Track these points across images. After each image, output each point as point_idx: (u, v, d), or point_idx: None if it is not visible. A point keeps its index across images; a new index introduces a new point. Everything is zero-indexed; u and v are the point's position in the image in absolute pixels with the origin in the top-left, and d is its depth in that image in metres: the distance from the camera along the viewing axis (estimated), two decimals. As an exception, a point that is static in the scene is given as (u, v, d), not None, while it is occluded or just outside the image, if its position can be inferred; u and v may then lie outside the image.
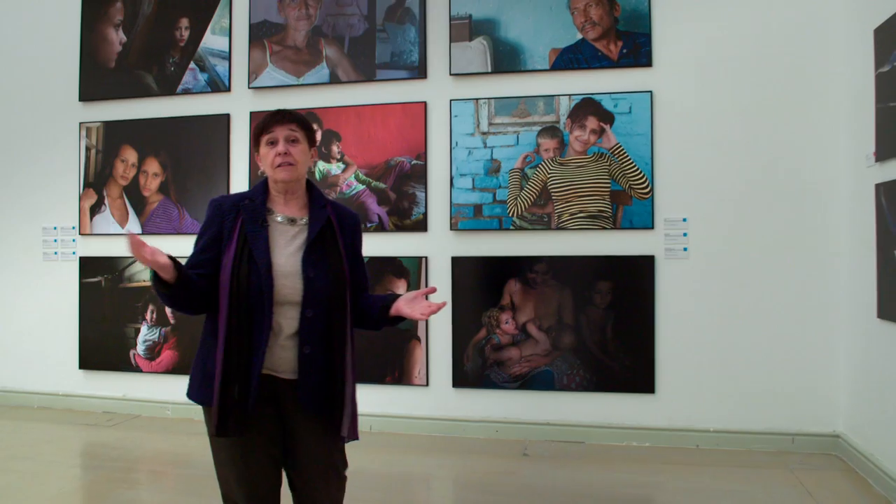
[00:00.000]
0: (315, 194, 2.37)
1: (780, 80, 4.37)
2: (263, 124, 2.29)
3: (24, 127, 5.59)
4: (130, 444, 4.58)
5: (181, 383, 4.99)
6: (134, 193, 5.30)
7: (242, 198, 2.28)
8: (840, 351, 4.28)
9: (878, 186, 3.73)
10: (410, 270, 4.80)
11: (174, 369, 5.21)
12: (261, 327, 2.13)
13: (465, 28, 4.72)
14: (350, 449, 2.40)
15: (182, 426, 4.99)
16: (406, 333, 4.79)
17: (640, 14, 4.52)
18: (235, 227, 2.20)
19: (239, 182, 5.09)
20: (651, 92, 4.48)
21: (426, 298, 2.26)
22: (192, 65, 5.20)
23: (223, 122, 5.11)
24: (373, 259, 4.77)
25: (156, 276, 2.07)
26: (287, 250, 2.23)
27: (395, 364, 4.82)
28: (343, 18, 4.93)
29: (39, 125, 5.55)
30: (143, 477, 4.04)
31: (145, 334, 5.27)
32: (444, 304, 2.23)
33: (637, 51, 4.52)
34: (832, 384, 4.30)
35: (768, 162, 4.38)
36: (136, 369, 5.29)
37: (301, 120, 2.34)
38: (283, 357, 2.19)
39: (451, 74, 4.72)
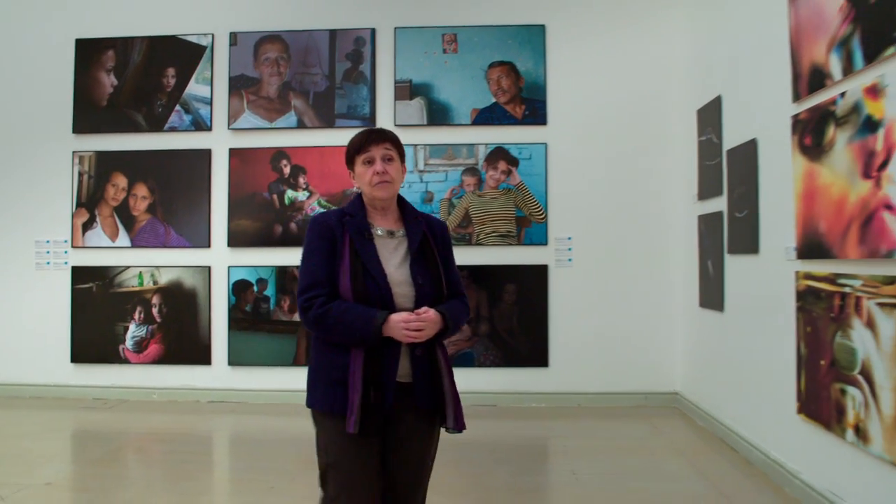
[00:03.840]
0: (407, 208, 2.48)
1: (637, 138, 6.06)
2: (360, 144, 2.37)
3: (22, 154, 6.48)
4: (123, 423, 5.58)
5: (167, 371, 6.20)
6: (124, 213, 6.33)
7: (343, 213, 2.36)
8: (677, 332, 5.99)
9: (699, 217, 5.44)
10: (362, 276, 6.12)
11: (160, 360, 6.27)
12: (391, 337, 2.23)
13: (406, 90, 6.14)
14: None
15: (168, 407, 6.05)
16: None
17: (538, 86, 6.09)
18: (344, 241, 2.29)
19: (219, 204, 6.23)
20: (546, 144, 6.06)
21: None
22: (177, 107, 6.32)
23: (205, 155, 6.27)
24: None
25: (378, 333, 2.19)
26: (394, 261, 2.33)
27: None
28: (309, 77, 6.22)
29: (36, 153, 6.46)
30: (136, 449, 5.15)
31: (133, 331, 6.30)
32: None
33: (536, 113, 6.08)
34: (672, 356, 6.01)
35: (628, 197, 6.05)
36: (125, 361, 6.30)
37: (395, 139, 2.42)
38: (402, 363, 2.29)
39: (395, 125, 6.10)
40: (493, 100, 6.10)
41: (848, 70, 3.28)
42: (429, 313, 2.23)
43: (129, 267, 6.30)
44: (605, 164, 6.08)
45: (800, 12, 3.75)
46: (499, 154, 6.06)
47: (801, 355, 3.74)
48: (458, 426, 2.35)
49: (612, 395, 5.99)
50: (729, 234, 4.85)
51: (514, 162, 6.05)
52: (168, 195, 6.30)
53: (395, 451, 2.33)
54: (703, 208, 5.40)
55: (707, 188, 5.29)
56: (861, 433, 3.17)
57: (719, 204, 5.01)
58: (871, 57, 3.08)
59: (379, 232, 2.37)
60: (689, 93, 5.78)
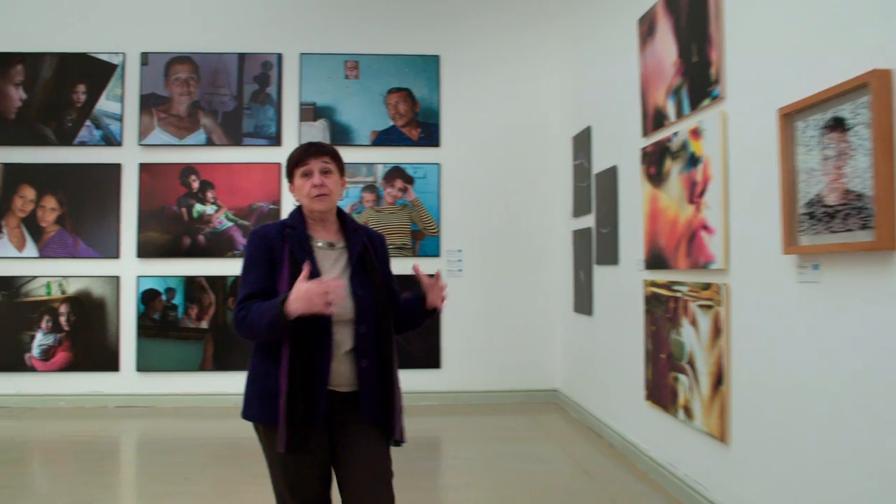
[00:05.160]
0: (347, 220, 2.48)
1: (521, 160, 6.73)
2: (299, 157, 2.38)
3: (-75, 165, 6.56)
4: (29, 430, 5.73)
5: (75, 379, 6.40)
6: (32, 224, 6.50)
7: (283, 226, 2.37)
8: (556, 334, 6.67)
9: (573, 232, 6.14)
10: (267, 285, 6.52)
11: (68, 367, 6.45)
12: (322, 346, 2.23)
13: (311, 112, 6.60)
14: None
15: (76, 413, 6.24)
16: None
17: (433, 111, 6.67)
18: (284, 254, 2.30)
19: (129, 217, 6.50)
20: (439, 164, 6.64)
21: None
22: (88, 122, 6.55)
23: (116, 169, 6.52)
24: (238, 278, 6.42)
25: (283, 314, 2.12)
26: (332, 273, 2.34)
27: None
28: (217, 97, 6.59)
29: (-60, 164, 6.56)
30: (42, 453, 5.40)
31: (40, 340, 6.46)
32: (444, 288, 2.47)
33: (430, 135, 6.66)
34: (552, 356, 6.68)
35: (514, 212, 6.70)
36: (31, 369, 6.45)
37: (333, 152, 2.44)
38: (340, 372, 2.28)
39: (299, 144, 6.54)
40: (392, 123, 6.64)
41: (679, 114, 3.98)
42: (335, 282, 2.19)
43: (36, 277, 6.47)
44: (493, 183, 6.71)
45: (647, 61, 4.46)
46: (396, 173, 6.60)
47: (648, 350, 4.43)
48: (400, 440, 2.38)
49: (498, 392, 6.60)
50: (596, 247, 5.54)
51: (409, 180, 6.60)
52: (77, 207, 6.51)
53: (345, 466, 2.32)
54: (576, 224, 6.09)
55: (579, 207, 5.98)
56: (688, 412, 3.86)
57: (589, 221, 5.70)
58: (695, 105, 3.79)
59: (319, 244, 2.39)
60: (566, 121, 6.49)
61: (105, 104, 6.57)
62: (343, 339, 2.28)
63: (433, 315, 2.51)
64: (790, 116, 2.82)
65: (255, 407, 2.30)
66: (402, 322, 2.50)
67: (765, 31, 3.11)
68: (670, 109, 4.10)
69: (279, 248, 2.31)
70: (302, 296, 2.11)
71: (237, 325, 2.28)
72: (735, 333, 3.37)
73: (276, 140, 6.59)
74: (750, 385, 3.24)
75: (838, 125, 2.53)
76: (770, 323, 3.05)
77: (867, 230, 2.38)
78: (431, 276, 2.50)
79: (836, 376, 2.60)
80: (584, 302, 5.83)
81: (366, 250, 2.42)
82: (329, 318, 2.23)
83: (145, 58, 6.58)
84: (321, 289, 2.11)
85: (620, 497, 4.04)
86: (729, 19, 3.43)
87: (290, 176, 2.43)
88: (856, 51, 2.47)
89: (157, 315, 6.47)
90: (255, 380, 2.33)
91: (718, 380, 3.49)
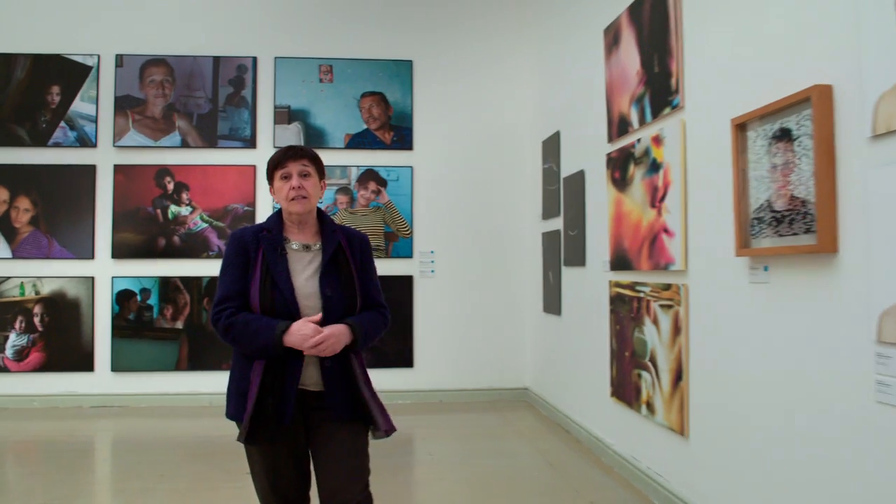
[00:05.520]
0: (326, 222, 2.53)
1: (493, 163, 6.88)
2: (278, 160, 2.44)
3: None
4: (3, 431, 5.74)
5: (49, 379, 6.44)
6: (5, 225, 6.51)
7: (260, 229, 2.44)
8: (526, 334, 6.83)
9: (543, 234, 6.30)
10: (242, 286, 6.60)
11: (41, 367, 6.47)
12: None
13: (285, 115, 6.69)
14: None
15: (50, 413, 6.27)
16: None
17: (406, 114, 6.80)
18: (258, 256, 2.37)
19: (104, 218, 6.54)
20: (412, 167, 6.77)
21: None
22: (62, 124, 6.58)
23: (90, 171, 6.56)
24: (214, 279, 6.51)
25: (279, 345, 2.26)
26: (305, 274, 2.40)
27: (230, 355, 6.56)
28: (193, 99, 6.66)
29: (-88, 165, 6.55)
30: (15, 453, 5.45)
31: (14, 340, 6.47)
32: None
33: (403, 139, 6.78)
34: (523, 355, 6.84)
35: (484, 215, 6.85)
36: (4, 369, 6.45)
37: (312, 156, 2.49)
38: (309, 373, 2.36)
39: (274, 147, 6.63)
40: (365, 126, 6.76)
41: (642, 121, 4.15)
42: (332, 328, 2.31)
43: (9, 278, 6.48)
44: (465, 186, 6.86)
45: (612, 70, 4.63)
46: (369, 175, 6.71)
47: (613, 349, 4.60)
48: (388, 430, 2.44)
49: (470, 391, 6.75)
50: (565, 249, 5.71)
51: (383, 183, 6.72)
52: (51, 208, 6.53)
53: (320, 464, 2.40)
54: (545, 226, 6.26)
55: (549, 209, 6.15)
56: (650, 407, 4.03)
57: (558, 223, 5.87)
58: (656, 113, 3.96)
59: (294, 246, 2.44)
60: (535, 126, 6.65)
61: (79, 105, 6.61)
62: None
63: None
64: (742, 126, 3.00)
65: (233, 405, 2.38)
66: None
67: (720, 45, 3.29)
68: (634, 117, 4.27)
69: (254, 250, 2.39)
70: (298, 340, 2.27)
71: (220, 330, 2.36)
72: (693, 332, 3.54)
73: (250, 142, 6.67)
74: (707, 381, 3.41)
75: (785, 135, 2.71)
76: (725, 321, 3.23)
77: (810, 234, 2.55)
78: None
79: (783, 371, 2.77)
80: (553, 302, 6.00)
81: (340, 250, 2.47)
82: (298, 318, 2.32)
83: (120, 60, 6.63)
84: (316, 340, 2.26)
85: (585, 489, 4.20)
86: (688, 33, 3.61)
87: (270, 178, 2.49)
88: (800, 66, 2.65)
89: (132, 315, 6.52)
90: (233, 379, 2.42)
91: (678, 376, 3.66)
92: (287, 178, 2.42)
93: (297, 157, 2.43)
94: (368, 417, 2.41)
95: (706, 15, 3.43)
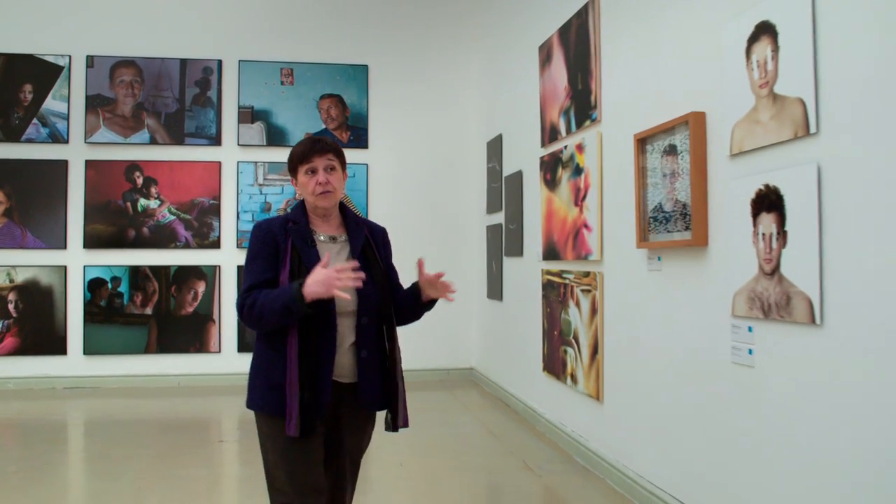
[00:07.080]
0: (349, 214, 2.53)
1: (442, 162, 7.46)
2: (303, 154, 2.38)
3: None
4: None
5: (23, 362, 6.84)
6: (-21, 216, 6.87)
7: (286, 220, 2.40)
8: (472, 318, 7.45)
9: (487, 227, 6.90)
10: (208, 275, 7.06)
11: (16, 352, 6.84)
12: (326, 337, 2.28)
13: (248, 114, 7.16)
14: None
15: (24, 394, 6.67)
16: (205, 317, 7.03)
17: (362, 115, 7.32)
18: (287, 247, 2.34)
19: (76, 210, 6.93)
20: (367, 164, 7.31)
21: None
22: (35, 121, 6.94)
23: (62, 166, 6.94)
24: (181, 268, 6.97)
25: (300, 298, 2.17)
26: (336, 264, 2.29)
27: (196, 339, 7.03)
28: (161, 99, 7.08)
29: None
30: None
31: (-12, 325, 6.85)
32: (452, 284, 2.53)
33: (359, 138, 7.31)
34: (469, 338, 7.46)
35: (438, 209, 7.43)
36: (-21, 353, 6.83)
37: (337, 149, 2.44)
38: (342, 363, 2.34)
39: (238, 145, 7.09)
40: (324, 126, 7.26)
41: (569, 130, 4.76)
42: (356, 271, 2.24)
43: (-16, 266, 6.85)
44: (416, 183, 7.42)
45: (545, 83, 5.23)
46: (329, 172, 7.21)
47: (545, 329, 5.22)
48: (403, 425, 2.47)
49: (420, 371, 7.32)
50: (505, 241, 6.31)
51: (341, 179, 7.22)
52: (25, 201, 6.89)
53: (330, 447, 2.41)
54: (489, 220, 6.86)
55: (492, 205, 6.74)
56: (573, 378, 4.66)
57: (500, 217, 6.47)
58: (579, 124, 4.57)
59: (322, 238, 2.42)
60: (481, 127, 7.24)
61: (51, 103, 6.97)
62: (346, 330, 2.34)
63: (429, 307, 2.56)
64: (642, 140, 3.62)
65: (259, 396, 2.34)
66: (403, 314, 2.55)
67: (627, 68, 3.91)
68: (562, 126, 4.88)
69: (283, 241, 2.35)
70: (321, 279, 2.16)
71: (244, 312, 2.30)
72: (607, 312, 4.17)
73: (216, 140, 7.12)
74: (617, 353, 4.05)
75: (672, 150, 3.33)
76: (630, 303, 3.87)
77: (688, 231, 3.18)
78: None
79: (674, 344, 3.41)
80: (495, 289, 6.60)
81: (367, 244, 2.49)
82: (333, 309, 2.29)
83: (91, 60, 7.01)
84: (338, 273, 2.17)
85: (518, 451, 4.82)
86: (605, 56, 4.22)
87: (294, 172, 2.44)
88: (685, 93, 3.28)
89: (103, 302, 6.93)
90: (259, 370, 2.36)
91: (595, 350, 4.29)
92: (313, 172, 2.38)
93: (323, 152, 2.38)
94: (394, 411, 2.45)
95: (618, 41, 4.04)
